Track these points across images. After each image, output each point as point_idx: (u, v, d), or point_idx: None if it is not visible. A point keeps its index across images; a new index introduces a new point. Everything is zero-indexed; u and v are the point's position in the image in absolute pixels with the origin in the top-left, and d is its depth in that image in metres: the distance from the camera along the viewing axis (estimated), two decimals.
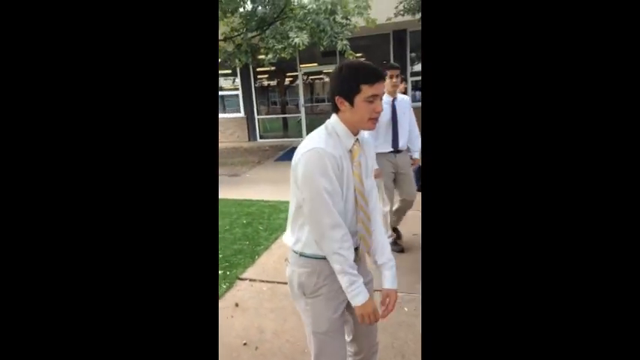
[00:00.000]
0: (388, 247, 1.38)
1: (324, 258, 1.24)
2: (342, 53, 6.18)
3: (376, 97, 1.18)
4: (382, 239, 1.36)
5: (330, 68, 9.11)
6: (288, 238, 1.36)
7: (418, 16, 6.51)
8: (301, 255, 1.29)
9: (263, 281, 2.82)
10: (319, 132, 1.24)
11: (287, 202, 1.40)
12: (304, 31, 5.49)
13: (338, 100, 1.20)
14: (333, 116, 1.25)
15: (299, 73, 9.48)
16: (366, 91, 1.16)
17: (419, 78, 8.82)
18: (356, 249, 1.28)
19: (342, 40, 5.86)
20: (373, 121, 1.21)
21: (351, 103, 1.18)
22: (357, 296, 1.21)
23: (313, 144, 1.18)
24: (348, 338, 1.45)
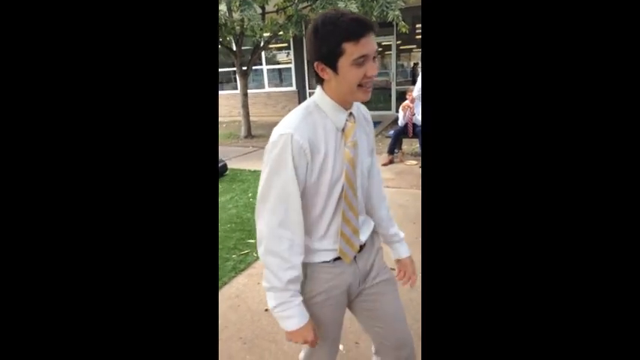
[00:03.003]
0: (393, 222, 1.26)
1: (322, 262, 1.06)
2: (396, 25, 5.92)
3: (366, 58, 0.90)
4: (386, 214, 1.23)
5: (387, 40, 8.79)
6: None
7: None
8: None
9: None
10: (296, 110, 0.99)
11: None
12: (353, 1, 5.30)
13: (318, 67, 0.93)
14: (318, 89, 1.00)
15: None
16: (351, 50, 0.88)
17: None
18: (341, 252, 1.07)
19: (394, 10, 5.60)
20: (365, 89, 0.94)
21: (334, 69, 0.91)
22: (288, 319, 1.00)
23: (282, 128, 0.95)
24: (372, 350, 1.26)
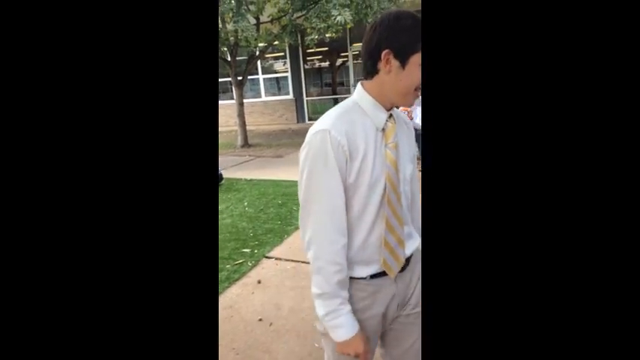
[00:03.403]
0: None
1: (358, 278, 0.97)
2: None
3: None
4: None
5: None
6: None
7: None
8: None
9: (288, 260, 2.86)
10: (333, 109, 0.94)
11: None
12: (347, 9, 5.34)
13: (386, 55, 0.86)
14: (358, 87, 0.95)
15: (349, 53, 9.32)
16: None
17: None
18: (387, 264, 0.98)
19: None
20: (416, 94, 0.90)
21: (404, 62, 0.86)
22: (338, 329, 0.93)
23: (318, 126, 0.90)
24: None
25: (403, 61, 0.86)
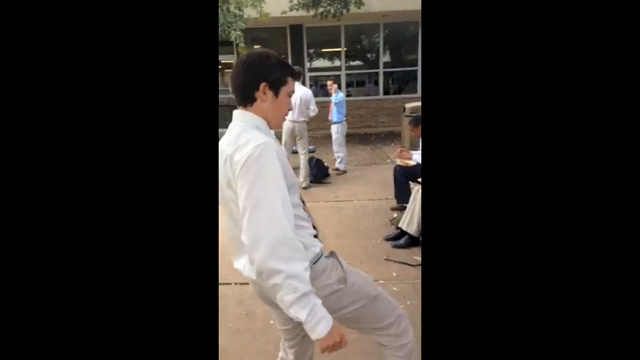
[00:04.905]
0: None
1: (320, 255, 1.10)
2: (237, 45, 6.18)
3: (292, 94, 1.11)
4: None
5: (226, 59, 8.92)
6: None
7: (312, 12, 6.73)
8: (314, 264, 1.07)
9: None
10: (247, 130, 1.02)
11: None
12: None
13: (263, 87, 1.04)
14: (243, 112, 1.07)
15: None
16: (290, 84, 1.09)
17: (317, 74, 9.15)
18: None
19: (235, 30, 5.86)
20: (284, 119, 1.13)
21: (277, 93, 1.06)
22: (319, 323, 0.92)
23: (253, 142, 0.96)
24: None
25: (277, 91, 1.06)
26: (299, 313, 0.90)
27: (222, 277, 2.14)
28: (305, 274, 0.91)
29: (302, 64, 8.66)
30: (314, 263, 1.06)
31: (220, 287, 2.44)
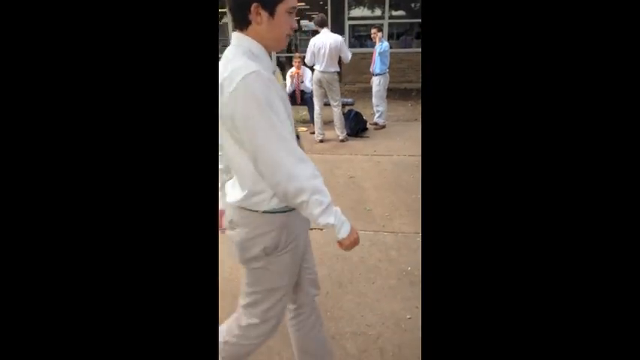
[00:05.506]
0: None
1: (292, 209, 1.05)
2: None
3: (294, 10, 0.98)
4: None
5: None
6: (233, 193, 1.08)
7: None
8: (265, 212, 1.04)
9: None
10: (237, 56, 0.95)
11: None
12: None
13: (255, 9, 0.93)
14: (238, 35, 0.99)
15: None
16: (289, 0, 0.95)
17: (355, 22, 8.73)
18: None
19: None
20: (288, 38, 1.01)
21: (272, 13, 0.94)
22: (343, 226, 1.02)
23: (243, 70, 0.90)
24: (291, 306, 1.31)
25: (272, 11, 0.94)
26: (328, 220, 0.98)
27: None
28: (324, 187, 0.98)
29: (342, 12, 8.28)
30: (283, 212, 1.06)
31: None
